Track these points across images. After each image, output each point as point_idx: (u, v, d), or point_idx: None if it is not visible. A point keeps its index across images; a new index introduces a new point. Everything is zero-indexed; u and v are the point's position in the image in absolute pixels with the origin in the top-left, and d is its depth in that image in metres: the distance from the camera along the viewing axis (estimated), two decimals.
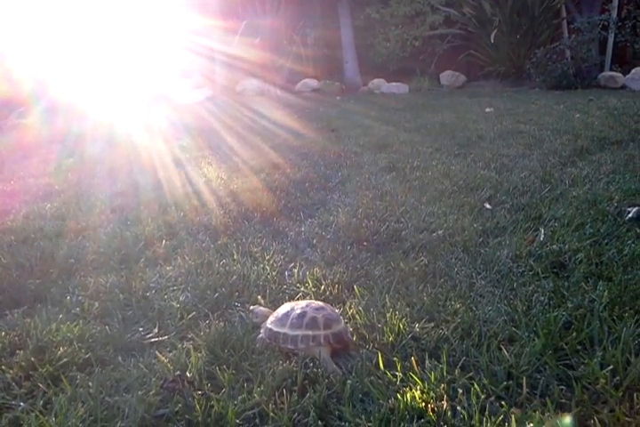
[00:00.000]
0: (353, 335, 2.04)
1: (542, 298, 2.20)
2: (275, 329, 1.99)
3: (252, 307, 2.26)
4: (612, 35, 12.35)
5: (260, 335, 2.06)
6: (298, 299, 2.36)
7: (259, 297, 2.41)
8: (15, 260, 2.97)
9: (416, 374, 1.75)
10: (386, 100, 11.29)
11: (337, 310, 2.13)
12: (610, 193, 3.56)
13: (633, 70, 11.62)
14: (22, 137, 8.41)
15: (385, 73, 13.91)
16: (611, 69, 12.40)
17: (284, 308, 2.06)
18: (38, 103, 10.16)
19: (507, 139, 6.01)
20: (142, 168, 5.31)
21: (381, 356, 1.85)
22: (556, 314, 2.03)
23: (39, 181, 5.03)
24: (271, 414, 1.63)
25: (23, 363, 1.97)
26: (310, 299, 2.35)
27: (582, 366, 1.74)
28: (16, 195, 4.61)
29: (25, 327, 2.21)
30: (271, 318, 2.05)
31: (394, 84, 13.20)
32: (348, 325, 2.11)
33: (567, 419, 1.49)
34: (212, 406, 1.65)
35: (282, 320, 1.99)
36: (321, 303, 2.06)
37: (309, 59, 14.30)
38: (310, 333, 1.92)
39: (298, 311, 1.99)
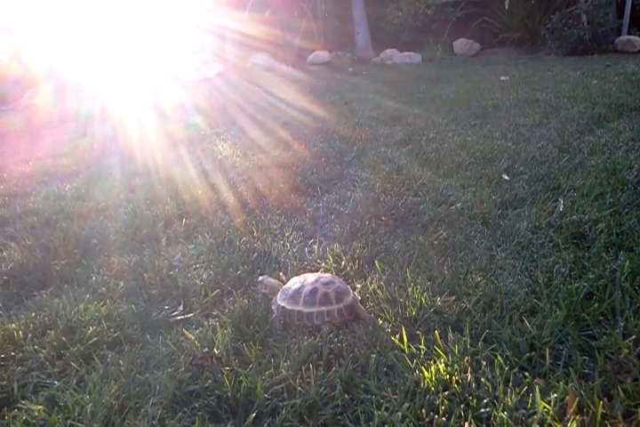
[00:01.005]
0: (374, 310, 2.06)
1: (563, 269, 2.20)
2: (288, 307, 2.03)
3: (260, 278, 2.30)
4: None
5: (275, 314, 2.09)
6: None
7: (280, 273, 2.43)
8: (39, 241, 3.02)
9: (440, 348, 1.77)
10: (398, 70, 11.15)
11: (344, 282, 2.16)
12: (629, 161, 3.52)
13: None
14: (35, 117, 8.46)
15: (397, 43, 13.69)
16: (628, 33, 12.09)
17: (295, 283, 2.10)
18: (48, 83, 10.18)
19: (523, 108, 5.93)
20: (156, 147, 5.33)
21: (405, 330, 1.88)
22: (577, 285, 2.04)
23: (57, 161, 5.08)
24: (298, 388, 1.66)
25: (55, 343, 2.02)
26: (332, 275, 2.37)
27: (604, 337, 1.75)
28: (35, 176, 4.67)
29: (54, 308, 2.26)
30: (282, 296, 2.09)
31: (406, 53, 13.01)
32: (371, 299, 2.14)
33: None
34: (241, 382, 1.69)
35: (294, 298, 2.03)
36: (329, 276, 2.12)
37: (320, 32, 14.13)
38: (324, 308, 1.99)
39: (309, 288, 2.04)
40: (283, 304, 2.05)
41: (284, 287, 2.14)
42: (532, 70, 9.26)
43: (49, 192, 4.01)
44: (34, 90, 10.21)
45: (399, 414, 1.50)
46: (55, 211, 3.53)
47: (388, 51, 13.31)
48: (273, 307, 2.11)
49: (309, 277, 2.11)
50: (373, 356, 1.77)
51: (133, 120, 6.85)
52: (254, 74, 11.56)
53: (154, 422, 1.57)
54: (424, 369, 1.67)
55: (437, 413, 1.49)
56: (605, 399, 1.48)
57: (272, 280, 2.27)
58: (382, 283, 2.24)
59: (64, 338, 2.04)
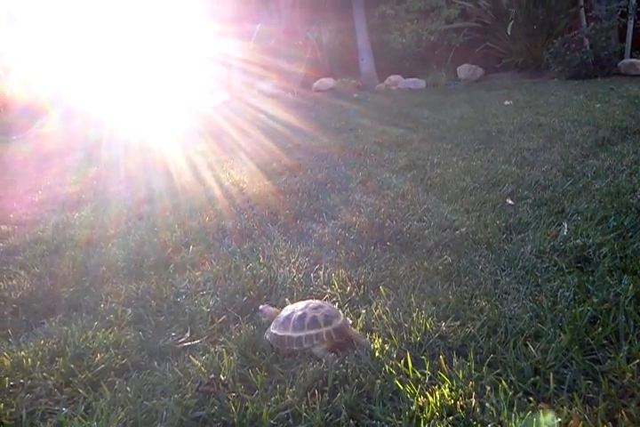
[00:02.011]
0: (378, 335, 2.08)
1: (567, 293, 2.22)
2: (279, 333, 2.08)
3: (260, 306, 2.34)
4: (632, 21, 12.17)
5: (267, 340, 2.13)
6: (325, 300, 2.40)
7: (286, 300, 2.46)
8: (48, 269, 3.06)
9: (444, 373, 1.78)
10: (403, 96, 11.28)
11: (334, 307, 2.20)
12: (633, 185, 3.54)
13: None
14: (44, 146, 8.57)
15: (401, 69, 13.87)
16: (631, 57, 12.21)
17: (286, 311, 2.15)
18: (57, 110, 10.35)
19: (527, 132, 5.98)
20: (164, 174, 5.40)
21: (410, 355, 1.89)
22: (581, 309, 2.04)
23: (65, 190, 5.16)
24: (304, 414, 1.68)
25: (63, 370, 2.04)
26: (337, 300, 2.40)
27: (609, 361, 1.76)
28: (44, 204, 4.74)
29: (62, 335, 2.29)
30: (274, 324, 2.14)
31: (410, 79, 13.16)
32: (376, 324, 2.15)
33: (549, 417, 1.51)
34: (247, 408, 1.71)
35: (284, 324, 2.09)
36: (319, 302, 2.18)
37: (325, 59, 14.34)
38: (313, 332, 2.03)
39: (298, 313, 2.09)
40: (274, 331, 2.10)
41: (274, 315, 2.19)
42: (536, 95, 9.35)
43: (58, 220, 4.07)
44: (44, 119, 10.38)
45: None
46: (64, 239, 3.58)
47: (393, 77, 13.47)
48: (267, 336, 2.15)
49: (300, 304, 2.16)
50: (378, 381, 1.78)
51: (141, 147, 6.94)
52: (260, 101, 11.71)
53: None
54: (428, 394, 1.68)
55: None
56: (610, 424, 1.48)
57: (271, 309, 2.31)
58: (387, 308, 2.25)
59: (72, 365, 2.06)
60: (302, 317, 2.08)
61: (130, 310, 2.52)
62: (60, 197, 4.90)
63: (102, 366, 2.06)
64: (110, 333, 2.30)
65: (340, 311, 2.19)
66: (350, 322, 2.17)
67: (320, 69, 13.84)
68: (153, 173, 5.49)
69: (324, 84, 13.42)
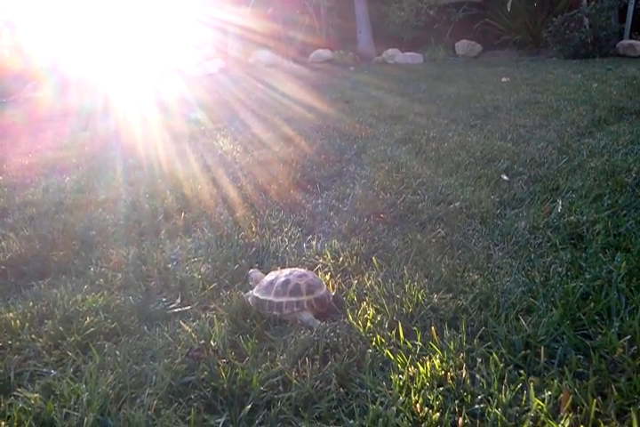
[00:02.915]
0: (370, 306, 2.07)
1: (560, 269, 2.21)
2: (261, 297, 2.09)
3: (250, 270, 2.35)
4: (633, 2, 12.03)
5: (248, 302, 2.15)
6: (317, 271, 2.39)
7: (278, 268, 2.44)
8: (38, 232, 3.03)
9: (435, 344, 1.78)
10: (400, 70, 11.17)
11: (318, 277, 2.20)
12: (628, 164, 3.53)
13: None
14: (36, 110, 8.46)
15: (399, 43, 13.73)
16: (630, 37, 12.11)
17: (270, 276, 2.16)
18: (50, 77, 10.17)
19: (523, 109, 5.95)
20: (158, 141, 5.33)
21: (402, 325, 1.89)
22: (573, 285, 2.04)
23: (56, 154, 5.08)
24: (294, 381, 1.67)
25: (52, 332, 2.03)
26: (329, 271, 2.39)
27: (600, 336, 1.76)
28: (34, 168, 4.67)
29: (52, 298, 2.27)
30: (257, 287, 2.15)
31: (408, 53, 13.03)
32: (368, 295, 2.15)
33: None
34: (237, 374, 1.70)
35: (267, 288, 2.10)
36: (304, 270, 2.18)
37: (322, 29, 14.14)
38: (294, 299, 2.04)
39: (282, 279, 2.10)
40: (257, 295, 2.11)
41: (260, 280, 2.19)
42: (534, 72, 9.29)
43: (48, 184, 4.01)
44: (35, 83, 10.20)
45: (394, 408, 1.51)
46: (54, 203, 3.54)
47: (390, 50, 13.33)
48: (248, 298, 2.15)
49: (285, 271, 2.17)
50: (369, 351, 1.78)
51: (135, 114, 6.85)
52: (257, 70, 11.56)
53: (149, 413, 1.58)
54: (419, 365, 1.68)
55: (432, 408, 1.50)
56: (599, 398, 1.49)
57: (259, 274, 2.30)
58: (380, 279, 2.24)
59: (61, 328, 2.04)
60: (286, 283, 2.08)
61: (120, 275, 2.50)
62: (50, 161, 4.82)
63: (91, 329, 2.04)
64: (100, 297, 2.29)
65: (324, 282, 2.19)
66: (333, 293, 2.18)
67: (317, 40, 13.67)
68: (146, 140, 5.41)
69: (321, 55, 13.27)
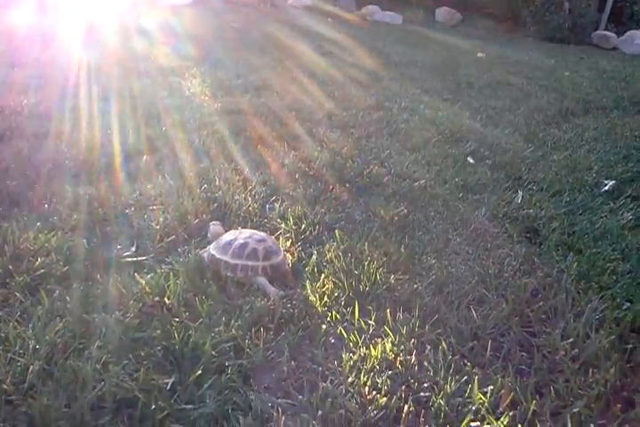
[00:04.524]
0: (329, 279, 2.08)
1: (514, 263, 2.27)
2: (217, 256, 2.09)
3: (211, 223, 2.34)
4: None
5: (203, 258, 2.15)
6: (278, 236, 2.38)
7: (239, 228, 2.41)
8: None
9: (389, 326, 1.82)
10: (379, 28, 11.00)
11: (277, 243, 2.21)
12: (589, 162, 3.62)
13: (628, 33, 11.48)
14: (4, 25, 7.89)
15: (379, 0, 13.41)
16: (606, 28, 12.24)
17: (228, 236, 2.15)
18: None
19: (495, 89, 5.99)
20: (123, 72, 5.11)
21: (357, 303, 1.91)
22: (525, 281, 2.11)
23: (14, 72, 4.80)
24: (247, 349, 1.68)
25: (0, 270, 1.96)
26: (290, 237, 2.38)
27: (544, 336, 1.84)
28: None
29: (1, 232, 2.18)
30: (215, 245, 2.14)
31: (388, 13, 12.78)
32: (327, 267, 2.16)
33: None
34: (190, 336, 1.70)
35: (224, 248, 2.09)
36: (264, 235, 2.18)
37: None
38: (250, 263, 2.05)
39: (240, 241, 2.09)
40: (213, 253, 2.10)
41: (219, 238, 2.17)
42: (509, 51, 9.31)
43: (4, 105, 3.79)
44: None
45: (342, 388, 1.54)
46: (9, 126, 3.36)
47: (371, 6, 13.05)
48: (204, 254, 2.15)
49: (245, 233, 2.16)
50: (324, 326, 1.80)
51: (104, 41, 6.53)
52: (231, 9, 11.13)
53: (97, 366, 1.56)
54: (371, 346, 1.71)
55: (379, 392, 1.54)
56: (537, 397, 1.56)
57: (218, 228, 2.30)
58: (340, 253, 2.25)
59: (10, 266, 1.97)
60: (244, 246, 2.08)
61: (75, 215, 2.41)
62: (6, 78, 4.56)
63: (42, 270, 1.98)
64: (53, 236, 2.21)
65: (283, 249, 2.20)
66: (292, 261, 2.19)
67: None
68: (113, 69, 5.17)
69: (300, 0, 12.85)
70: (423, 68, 6.81)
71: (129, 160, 3.09)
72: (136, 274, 2.03)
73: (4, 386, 1.47)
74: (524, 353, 1.76)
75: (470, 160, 3.55)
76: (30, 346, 1.60)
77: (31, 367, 1.52)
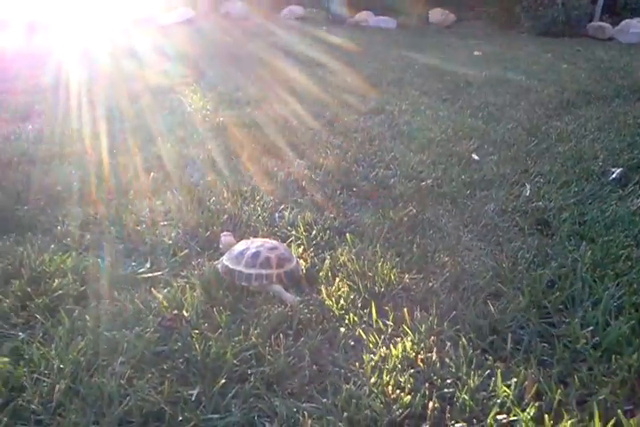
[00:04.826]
0: (344, 282, 2.09)
1: (527, 255, 2.27)
2: (231, 266, 2.10)
3: (222, 233, 2.36)
4: None
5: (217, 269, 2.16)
6: (289, 243, 2.39)
7: (250, 238, 2.43)
8: (0, 184, 2.92)
9: (407, 325, 1.82)
10: (373, 34, 11.05)
11: (289, 250, 2.23)
12: (595, 151, 3.62)
13: (623, 22, 11.45)
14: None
15: (372, 5, 13.47)
16: (600, 20, 12.22)
17: (240, 246, 2.16)
18: (16, 19, 9.62)
19: (494, 86, 5.98)
20: (125, 93, 5.15)
21: (374, 304, 1.92)
22: (540, 272, 2.11)
23: (18, 99, 4.86)
24: (268, 356, 1.69)
25: (19, 293, 1.98)
26: (302, 244, 2.39)
27: (564, 325, 1.83)
28: None
29: (17, 256, 2.20)
30: (228, 255, 2.15)
31: (381, 17, 12.85)
32: (341, 271, 2.17)
33: None
34: (211, 346, 1.71)
35: (237, 258, 2.10)
36: (275, 242, 2.19)
37: None
38: (264, 271, 2.06)
39: (253, 251, 2.11)
40: (227, 264, 2.11)
41: (231, 248, 2.19)
42: (505, 47, 9.32)
43: (9, 131, 3.85)
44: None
45: (366, 388, 1.55)
46: (17, 153, 3.40)
47: (364, 12, 13.12)
48: (218, 266, 2.16)
49: (256, 242, 2.18)
50: (342, 329, 1.81)
51: (101, 63, 6.60)
52: (227, 23, 11.23)
53: (122, 382, 1.57)
54: (391, 346, 1.72)
55: (403, 390, 1.55)
56: (562, 386, 1.56)
57: (230, 239, 2.31)
58: (352, 256, 2.26)
59: (29, 289, 2.00)
60: (256, 255, 2.09)
61: (88, 235, 2.44)
62: (11, 105, 4.61)
63: (60, 291, 2.01)
64: (68, 257, 2.24)
65: (295, 255, 2.21)
66: (306, 267, 2.20)
67: None
68: (112, 90, 5.23)
69: (293, 11, 12.97)
70: (421, 71, 6.83)
71: (137, 178, 3.11)
72: (152, 289, 2.05)
73: (33, 406, 1.48)
74: (544, 344, 1.76)
75: (475, 157, 3.55)
76: (55, 366, 1.62)
77: (57, 386, 1.54)
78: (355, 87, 5.67)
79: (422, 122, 4.34)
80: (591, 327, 1.79)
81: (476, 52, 8.58)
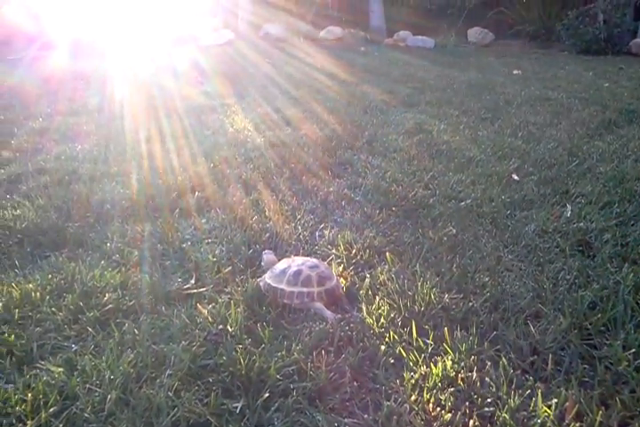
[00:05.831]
0: (384, 301, 2.12)
1: (568, 277, 2.27)
2: (273, 284, 2.16)
3: (264, 251, 2.43)
4: None
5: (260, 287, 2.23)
6: (330, 262, 2.44)
7: (291, 256, 2.48)
8: (52, 202, 3.06)
9: (447, 344, 1.84)
10: (411, 54, 11.12)
11: (329, 268, 2.28)
12: (637, 172, 3.58)
13: None
14: (44, 70, 8.34)
15: (411, 25, 13.59)
16: None
17: (282, 264, 2.23)
18: (61, 39, 10.02)
19: (534, 105, 5.97)
20: (167, 114, 5.32)
21: (414, 323, 1.94)
22: (582, 294, 2.11)
23: (67, 119, 5.07)
24: (309, 372, 1.73)
25: (71, 306, 2.07)
26: (342, 262, 2.44)
27: (605, 347, 1.83)
28: (45, 133, 4.67)
29: (70, 271, 2.30)
30: (270, 273, 2.22)
31: (419, 37, 12.94)
32: (381, 289, 2.20)
33: None
34: (255, 361, 1.76)
35: (279, 276, 2.17)
36: (316, 261, 2.25)
37: (334, 6, 14.00)
38: (305, 289, 2.11)
39: (294, 269, 2.17)
40: (269, 282, 2.18)
41: (273, 267, 2.25)
42: (545, 66, 9.28)
43: (60, 151, 4.02)
44: (44, 41, 10.05)
45: (406, 406, 1.58)
46: (68, 172, 3.55)
47: (402, 33, 13.24)
48: (261, 283, 2.22)
49: (297, 260, 2.24)
50: (383, 347, 1.84)
51: (145, 83, 6.82)
52: (266, 44, 11.45)
53: (170, 394, 1.63)
54: (432, 365, 1.74)
55: (444, 408, 1.57)
56: (603, 408, 1.56)
57: (271, 257, 2.38)
58: (392, 275, 2.30)
59: (81, 303, 2.09)
60: (298, 273, 2.15)
61: (136, 252, 2.54)
62: (61, 126, 4.81)
63: (110, 305, 2.09)
64: (117, 273, 2.33)
65: (335, 274, 2.26)
66: (346, 286, 2.24)
67: (328, 17, 13.53)
68: (156, 111, 5.40)
69: (332, 32, 13.15)
70: (459, 90, 6.86)
71: (181, 197, 3.21)
72: (198, 304, 2.12)
73: (86, 414, 1.55)
74: (585, 366, 1.76)
75: (515, 177, 3.56)
76: (106, 377, 1.69)
77: (109, 396, 1.61)
78: (392, 106, 5.73)
79: (461, 141, 4.36)
80: (633, 349, 1.78)
81: (515, 71, 8.57)
